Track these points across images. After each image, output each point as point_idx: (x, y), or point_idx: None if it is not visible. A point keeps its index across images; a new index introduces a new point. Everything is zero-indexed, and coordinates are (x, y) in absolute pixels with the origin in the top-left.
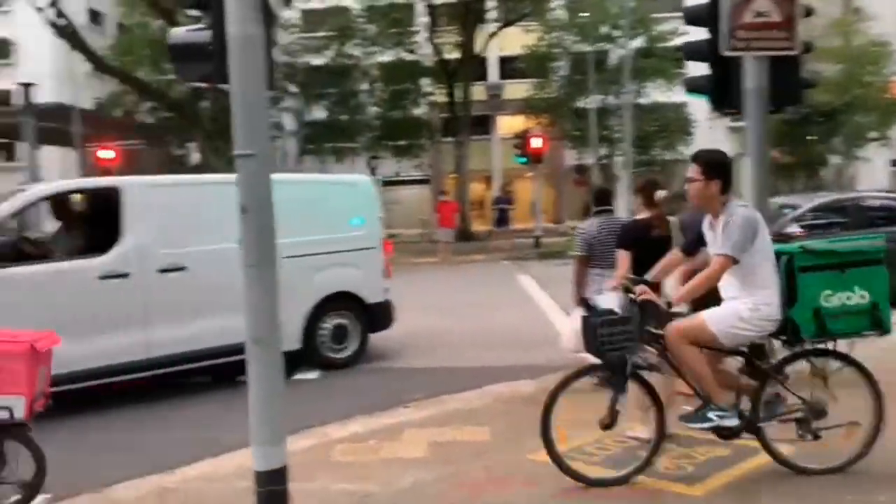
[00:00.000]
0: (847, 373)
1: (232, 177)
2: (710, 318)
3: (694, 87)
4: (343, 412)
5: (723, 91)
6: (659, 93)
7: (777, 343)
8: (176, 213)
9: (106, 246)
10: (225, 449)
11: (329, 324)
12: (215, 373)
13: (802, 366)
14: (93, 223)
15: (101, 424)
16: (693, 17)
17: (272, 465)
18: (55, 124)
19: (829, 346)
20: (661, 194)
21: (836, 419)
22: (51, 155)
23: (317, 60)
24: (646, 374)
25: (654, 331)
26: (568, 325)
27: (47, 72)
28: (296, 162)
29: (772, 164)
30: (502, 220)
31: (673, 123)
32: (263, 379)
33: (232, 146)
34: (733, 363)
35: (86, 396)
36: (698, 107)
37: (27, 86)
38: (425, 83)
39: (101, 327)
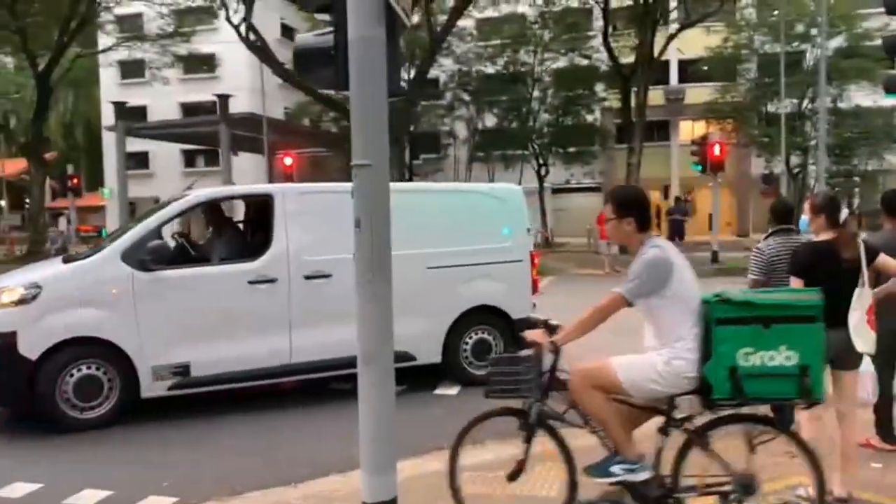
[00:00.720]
0: (781, 441)
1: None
2: (619, 364)
3: (894, 86)
4: (475, 435)
5: None
6: (862, 96)
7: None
8: (324, 219)
9: (258, 252)
10: (355, 465)
11: (471, 338)
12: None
13: (731, 430)
14: (247, 229)
15: (236, 429)
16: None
17: (379, 496)
18: (246, 132)
19: (760, 409)
20: (844, 213)
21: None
22: (245, 162)
23: (490, 69)
24: (557, 424)
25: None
26: None
27: (245, 84)
28: (466, 169)
29: None
30: (677, 231)
31: (878, 130)
32: (374, 402)
33: (401, 152)
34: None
35: (224, 398)
36: None
37: (223, 97)
38: (599, 89)
39: (249, 331)
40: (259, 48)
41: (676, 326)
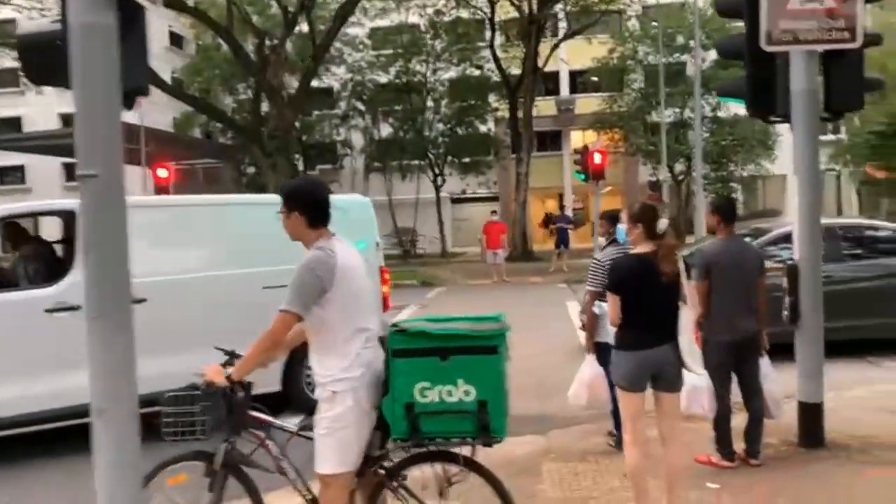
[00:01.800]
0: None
1: (210, 198)
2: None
3: (728, 91)
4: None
5: (763, 95)
6: (737, 105)
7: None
8: (142, 237)
9: (59, 275)
10: None
11: None
12: None
13: (425, 471)
14: (52, 249)
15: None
16: (726, 8)
17: None
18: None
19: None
20: (663, 224)
21: None
22: (135, 174)
23: (383, 78)
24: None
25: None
26: (578, 375)
27: None
28: (363, 179)
29: (865, 180)
30: (563, 240)
31: (752, 137)
32: (108, 456)
33: (290, 162)
34: None
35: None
36: None
37: None
38: (492, 99)
39: (48, 366)
40: None
41: (338, 342)
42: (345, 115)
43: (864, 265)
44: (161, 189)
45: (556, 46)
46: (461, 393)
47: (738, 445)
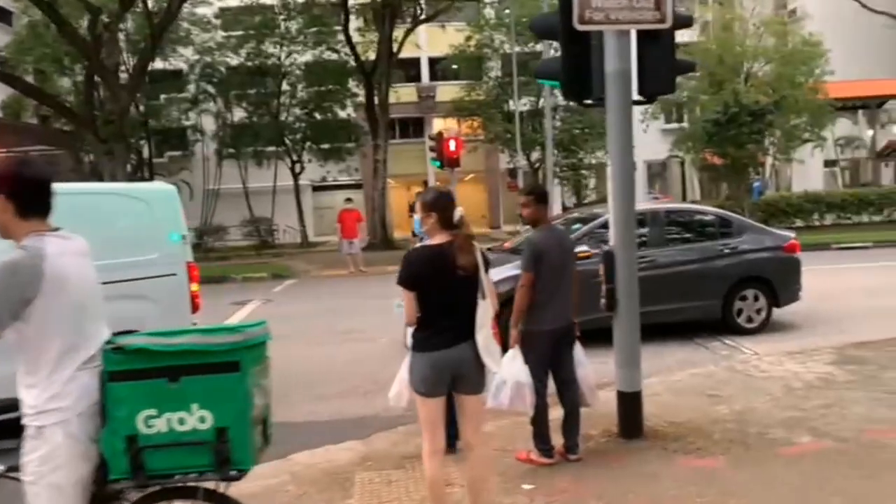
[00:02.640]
0: None
1: None
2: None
3: (545, 73)
4: None
5: (578, 76)
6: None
7: None
8: None
9: None
10: None
11: None
12: None
13: None
14: None
15: None
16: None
17: None
18: None
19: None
20: (459, 213)
21: None
22: None
23: (234, 60)
24: None
25: None
26: (399, 374)
27: None
28: (216, 166)
29: (704, 166)
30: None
31: (599, 125)
32: None
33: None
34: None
35: None
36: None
37: None
38: (352, 84)
39: None
40: None
41: (45, 366)
42: (194, 99)
43: (686, 249)
44: None
45: (409, 32)
46: (195, 420)
47: (558, 440)
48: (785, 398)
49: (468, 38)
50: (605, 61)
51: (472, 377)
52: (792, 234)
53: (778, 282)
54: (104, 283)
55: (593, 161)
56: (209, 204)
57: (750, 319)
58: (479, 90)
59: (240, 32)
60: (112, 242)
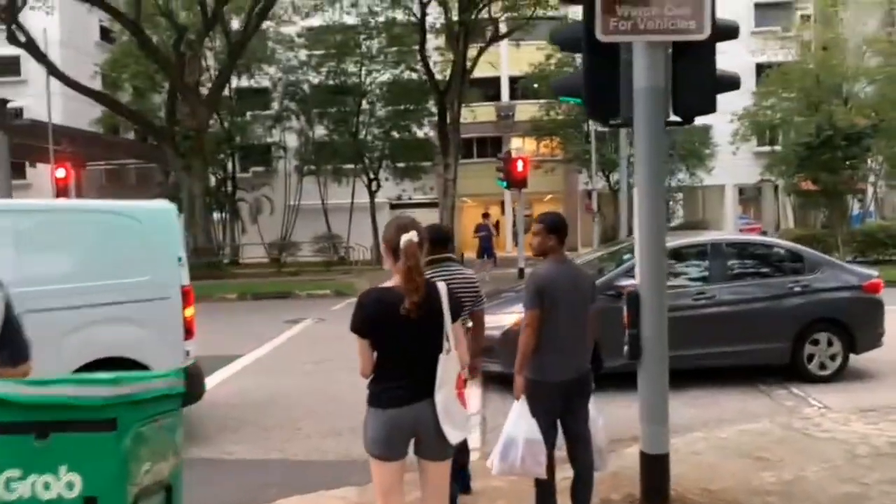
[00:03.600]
0: None
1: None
2: None
3: (566, 89)
4: None
5: (603, 94)
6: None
7: None
8: None
9: None
10: None
11: None
12: None
13: None
14: None
15: None
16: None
17: None
18: (36, 142)
19: None
20: (405, 239)
21: None
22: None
23: (316, 79)
24: None
25: None
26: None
27: (58, 89)
28: (297, 183)
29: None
30: (486, 248)
31: (682, 146)
32: None
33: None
34: None
35: None
36: (722, 129)
37: (2, 101)
38: (431, 104)
39: None
40: (29, 46)
41: None
42: (278, 116)
43: (752, 285)
44: (61, 190)
45: (482, 50)
46: (63, 486)
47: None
48: (845, 467)
49: (548, 57)
50: (634, 77)
51: (431, 442)
52: (875, 273)
53: (855, 325)
54: (83, 306)
55: (684, 183)
56: (289, 219)
57: (823, 366)
58: (559, 109)
59: (321, 51)
60: (97, 263)
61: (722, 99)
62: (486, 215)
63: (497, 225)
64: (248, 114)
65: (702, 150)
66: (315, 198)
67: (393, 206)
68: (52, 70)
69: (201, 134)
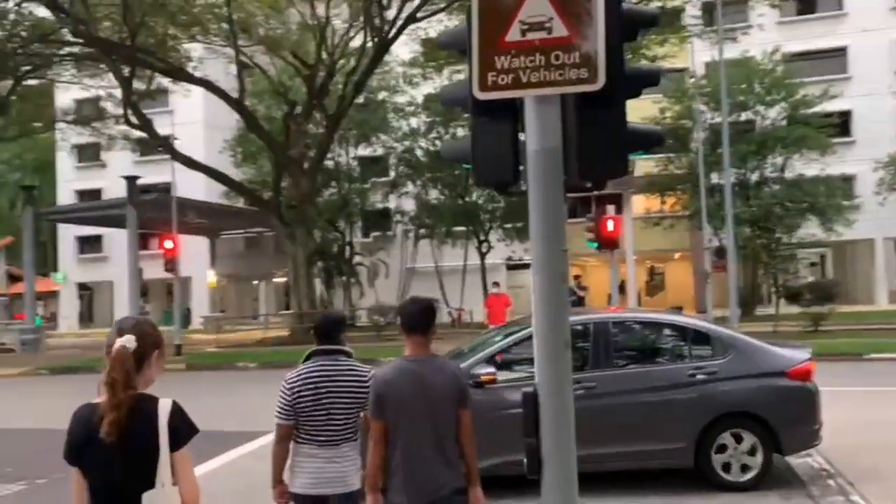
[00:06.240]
0: None
1: None
2: None
3: (453, 154)
4: None
5: (492, 159)
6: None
7: None
8: None
9: None
10: None
11: None
12: None
13: None
14: None
15: None
16: (449, 43)
17: None
18: (159, 215)
19: None
20: (120, 344)
21: None
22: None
23: (427, 144)
24: None
25: None
26: None
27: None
28: (413, 246)
29: None
30: None
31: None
32: None
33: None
34: None
35: None
36: (866, 178)
37: (131, 179)
38: None
39: None
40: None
41: None
42: (394, 182)
43: (640, 373)
44: (169, 261)
45: None
46: None
47: None
48: None
49: (662, 111)
50: (527, 138)
51: None
52: (805, 354)
53: (777, 421)
54: None
55: (793, 240)
56: (405, 282)
57: (743, 468)
58: (679, 163)
59: (429, 119)
60: None
61: (865, 143)
62: (577, 278)
63: (584, 288)
64: (371, 181)
65: (839, 201)
66: (430, 260)
67: (510, 267)
68: (168, 149)
69: (304, 204)
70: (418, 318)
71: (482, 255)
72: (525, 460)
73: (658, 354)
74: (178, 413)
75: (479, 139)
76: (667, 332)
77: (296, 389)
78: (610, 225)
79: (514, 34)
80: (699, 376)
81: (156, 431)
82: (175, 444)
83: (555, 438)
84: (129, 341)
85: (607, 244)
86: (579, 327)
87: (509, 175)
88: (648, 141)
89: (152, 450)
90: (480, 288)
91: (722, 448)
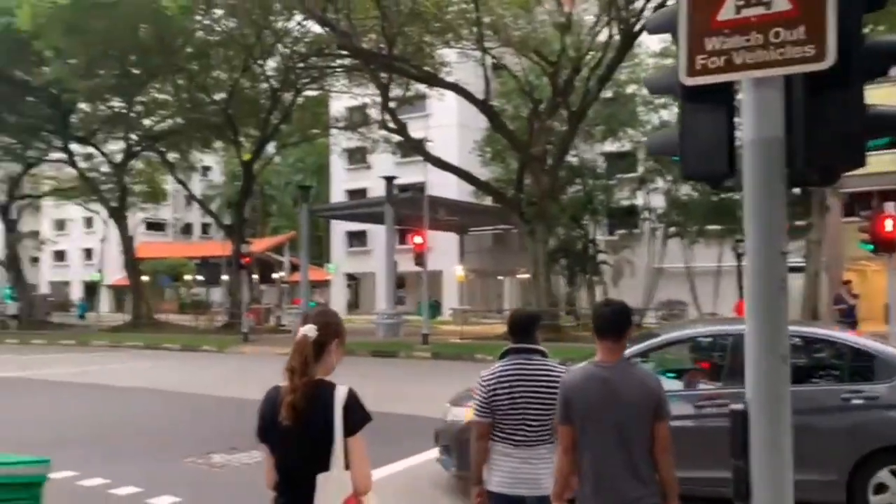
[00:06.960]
0: None
1: None
2: None
3: (660, 146)
4: None
5: (704, 149)
6: None
7: None
8: None
9: None
10: None
11: None
12: None
13: None
14: None
15: None
16: (657, 28)
17: None
18: (413, 212)
19: None
20: (302, 333)
21: None
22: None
23: None
24: None
25: None
26: None
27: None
28: (661, 244)
29: None
30: (849, 325)
31: None
32: None
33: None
34: None
35: None
36: None
37: (389, 179)
38: None
39: None
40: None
41: None
42: (642, 178)
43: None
44: (418, 256)
45: None
46: None
47: None
48: None
49: None
50: (743, 127)
51: None
52: None
53: None
54: None
55: None
56: (651, 282)
57: None
58: None
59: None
60: None
61: None
62: (846, 283)
63: (856, 296)
64: (617, 177)
65: None
66: (679, 260)
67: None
68: (420, 150)
69: (544, 201)
70: (610, 321)
71: (738, 256)
72: (733, 485)
73: (809, 374)
74: (353, 400)
75: (689, 128)
76: (819, 348)
77: (491, 386)
78: (889, 224)
79: (727, 12)
80: (854, 401)
81: (331, 417)
82: (349, 430)
83: (767, 463)
84: (310, 330)
85: (885, 246)
86: (721, 339)
87: (723, 165)
88: (888, 126)
89: (327, 434)
90: (735, 291)
91: (882, 487)
